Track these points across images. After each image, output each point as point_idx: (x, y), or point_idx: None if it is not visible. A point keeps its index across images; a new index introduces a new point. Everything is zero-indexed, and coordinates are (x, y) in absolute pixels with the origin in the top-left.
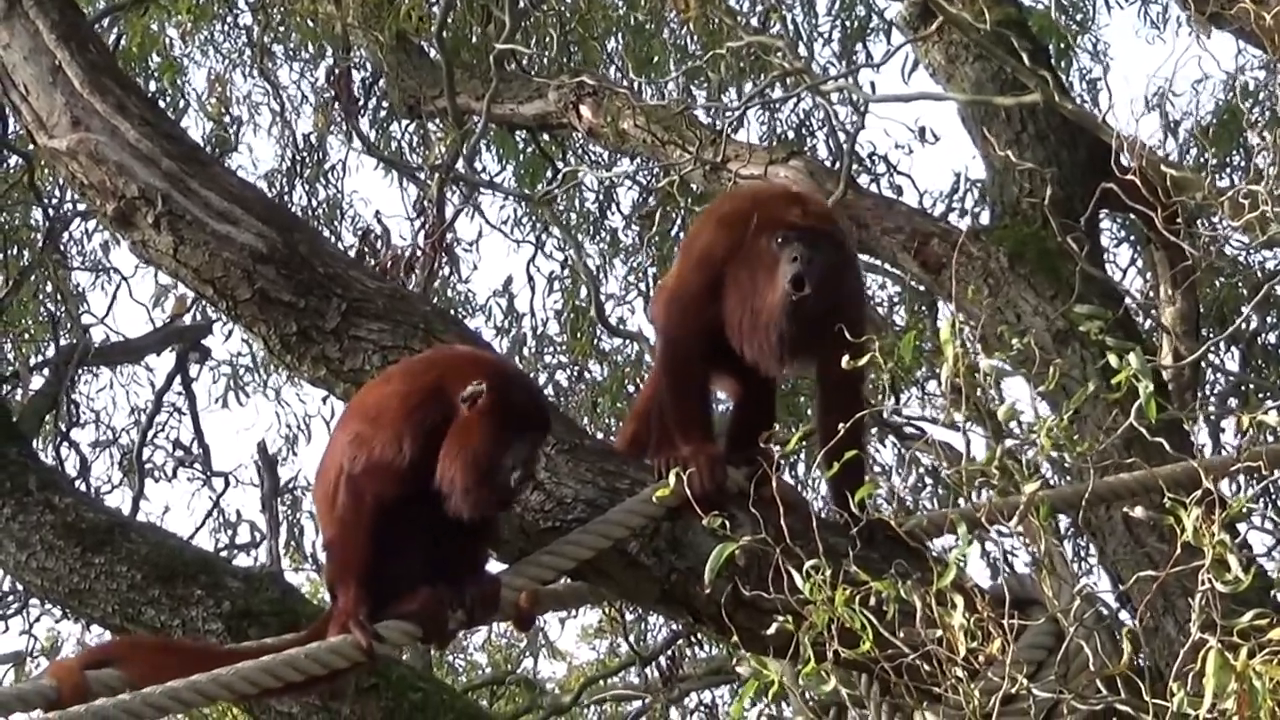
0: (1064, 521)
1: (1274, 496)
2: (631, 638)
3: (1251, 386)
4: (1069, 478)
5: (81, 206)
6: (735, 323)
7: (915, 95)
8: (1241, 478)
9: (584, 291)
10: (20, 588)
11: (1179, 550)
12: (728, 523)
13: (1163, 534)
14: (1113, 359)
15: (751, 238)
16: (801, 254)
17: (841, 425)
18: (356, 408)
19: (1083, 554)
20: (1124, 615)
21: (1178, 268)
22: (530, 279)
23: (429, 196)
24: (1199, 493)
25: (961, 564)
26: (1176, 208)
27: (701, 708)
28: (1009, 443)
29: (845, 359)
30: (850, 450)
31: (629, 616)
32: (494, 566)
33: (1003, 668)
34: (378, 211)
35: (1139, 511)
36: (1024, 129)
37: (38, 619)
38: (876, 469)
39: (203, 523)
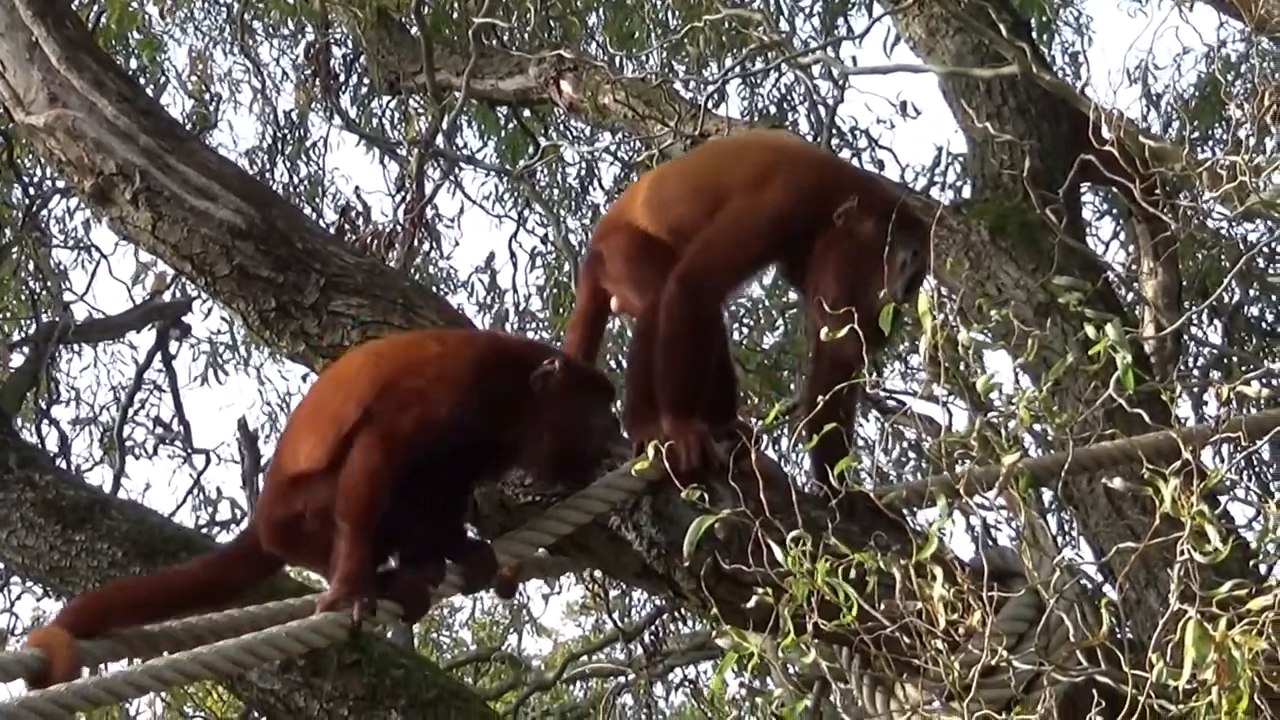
0: (1047, 496)
1: (1256, 468)
2: (616, 614)
3: (1234, 359)
4: (1051, 450)
5: (61, 184)
6: (831, 302)
7: (893, 68)
8: (1225, 449)
9: (566, 267)
10: (1, 565)
11: (1158, 521)
12: (707, 496)
13: (1144, 506)
14: (1090, 330)
15: (855, 217)
16: (920, 250)
17: (821, 398)
18: (406, 365)
19: (1066, 527)
20: (1107, 589)
21: (1158, 239)
22: (512, 255)
23: (409, 173)
24: (1178, 464)
25: (942, 536)
26: (1155, 179)
27: (685, 683)
28: (989, 415)
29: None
30: (834, 424)
31: (613, 593)
32: None
33: (983, 640)
34: (357, 188)
35: (1118, 482)
36: (1005, 102)
37: (19, 597)
38: (860, 443)
39: (184, 500)
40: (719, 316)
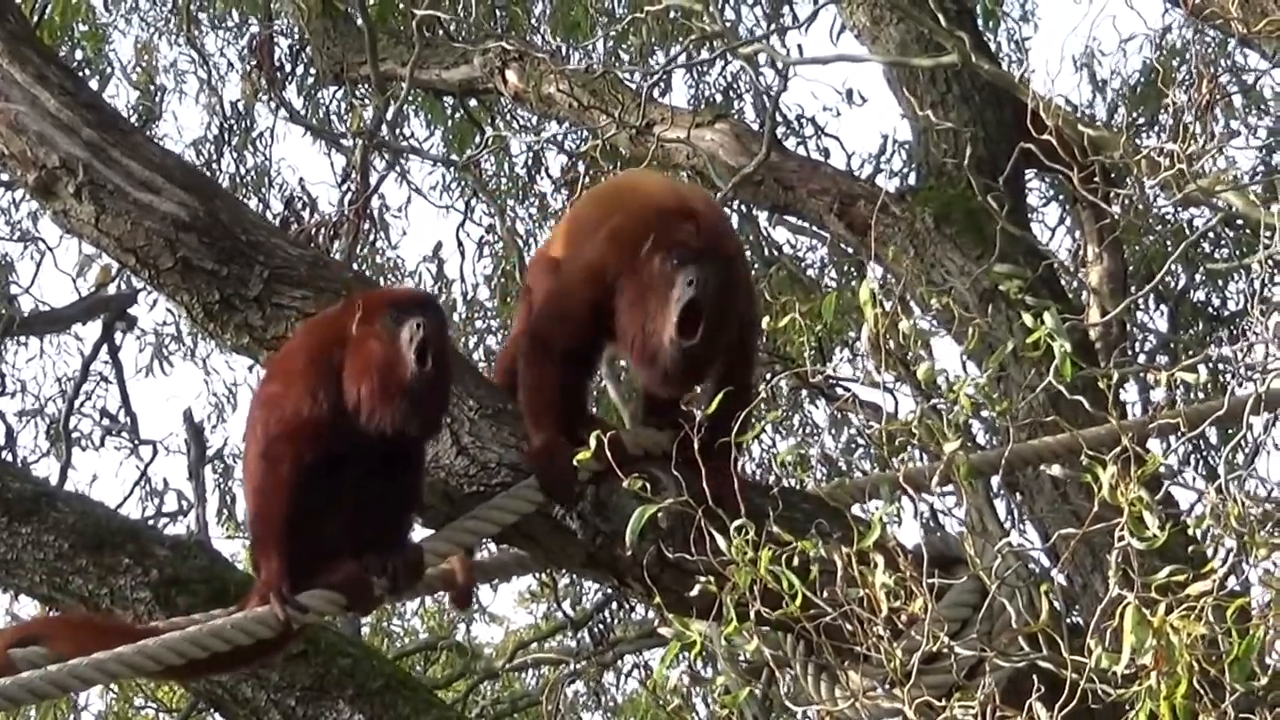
0: (995, 482)
1: (1204, 454)
2: (566, 603)
3: (1181, 345)
4: (997, 439)
5: (4, 176)
6: (627, 342)
7: (835, 57)
8: (1172, 439)
9: (509, 261)
10: None
11: (1097, 507)
12: (649, 485)
13: (1089, 492)
14: (1029, 319)
15: (645, 258)
16: (696, 277)
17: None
18: (266, 375)
19: (1015, 514)
20: (1056, 575)
21: (1102, 223)
22: (460, 244)
23: (354, 163)
24: (1117, 450)
25: (885, 524)
26: (1095, 167)
27: (636, 670)
28: (932, 401)
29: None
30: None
31: (563, 581)
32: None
33: (927, 629)
34: (301, 179)
35: (1056, 469)
36: (948, 90)
37: None
38: (808, 431)
39: (130, 491)
40: (565, 361)
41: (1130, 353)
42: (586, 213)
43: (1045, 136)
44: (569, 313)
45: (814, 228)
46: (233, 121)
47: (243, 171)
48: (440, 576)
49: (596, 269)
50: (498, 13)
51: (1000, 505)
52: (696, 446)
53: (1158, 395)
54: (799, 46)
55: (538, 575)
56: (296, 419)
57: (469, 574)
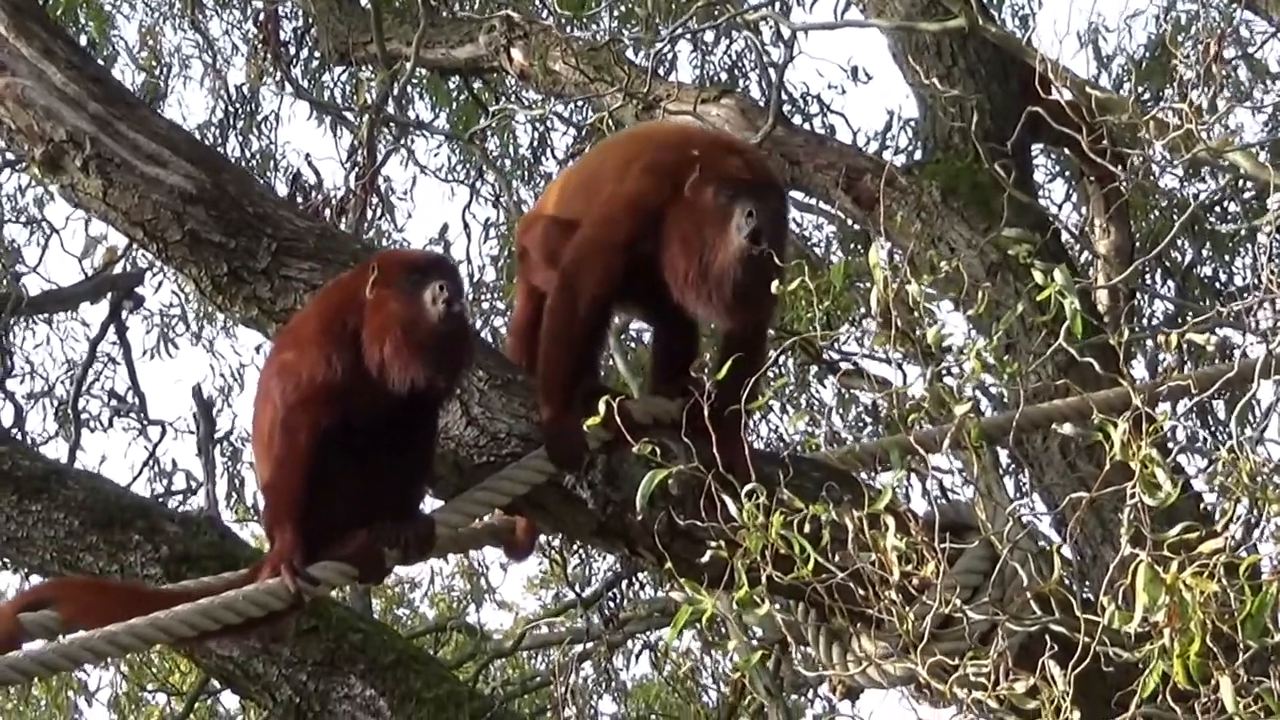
0: (1004, 458)
1: (1212, 429)
2: (575, 585)
3: (1189, 316)
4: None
5: (10, 156)
6: (680, 276)
7: (840, 23)
8: (1183, 404)
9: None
10: None
11: (1109, 466)
12: (659, 451)
13: (1098, 462)
14: (1038, 276)
15: (694, 189)
16: (756, 209)
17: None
18: (279, 344)
19: (1025, 490)
20: (1066, 551)
21: (1108, 192)
22: (466, 226)
23: (360, 139)
24: (1128, 412)
25: (895, 489)
26: (1102, 131)
27: (646, 650)
28: (941, 365)
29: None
30: (740, 374)
31: (572, 566)
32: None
33: (939, 593)
34: (308, 155)
35: (1067, 428)
36: (954, 64)
37: None
38: (816, 410)
39: (139, 472)
40: (600, 305)
41: (1139, 327)
42: (603, 160)
43: (1052, 97)
44: (605, 248)
45: (820, 203)
46: (238, 105)
47: (248, 155)
48: (504, 527)
49: (637, 203)
50: None
51: (1010, 483)
52: (706, 414)
53: (1169, 361)
54: (805, 26)
55: (548, 555)
56: (312, 385)
57: (529, 526)
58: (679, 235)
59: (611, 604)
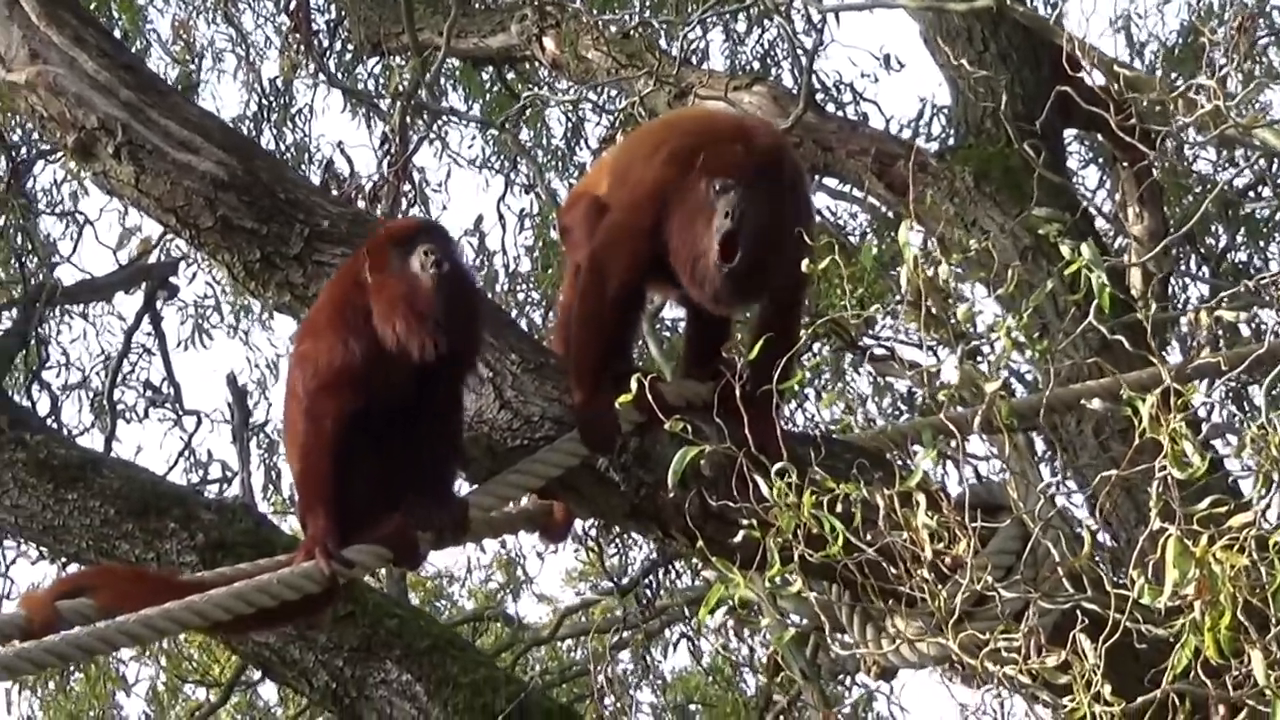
0: (1040, 446)
1: (1246, 411)
2: (612, 574)
3: (1224, 301)
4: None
5: (45, 146)
6: (679, 265)
7: (868, 4)
8: (1213, 384)
9: (553, 227)
10: None
11: (1138, 441)
12: (690, 430)
13: (1132, 444)
14: (1065, 252)
15: (694, 178)
16: (734, 208)
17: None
18: (298, 336)
19: (1061, 479)
20: (1104, 536)
21: (1139, 173)
22: (500, 217)
23: (393, 126)
24: (1159, 389)
25: (928, 470)
26: (1132, 110)
27: (685, 640)
28: (972, 344)
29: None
30: (772, 355)
31: (610, 559)
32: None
33: (971, 571)
34: (340, 143)
35: (1096, 403)
36: (986, 49)
37: (13, 561)
38: (851, 396)
39: (175, 462)
40: (629, 290)
41: (1172, 308)
42: (638, 144)
43: (1081, 76)
44: (632, 233)
45: (853, 190)
46: (272, 98)
47: (283, 147)
48: (539, 511)
49: (655, 190)
50: None
51: (1045, 470)
52: (738, 395)
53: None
54: (836, 15)
55: (584, 544)
56: (330, 369)
57: (566, 509)
58: (679, 223)
59: (648, 592)
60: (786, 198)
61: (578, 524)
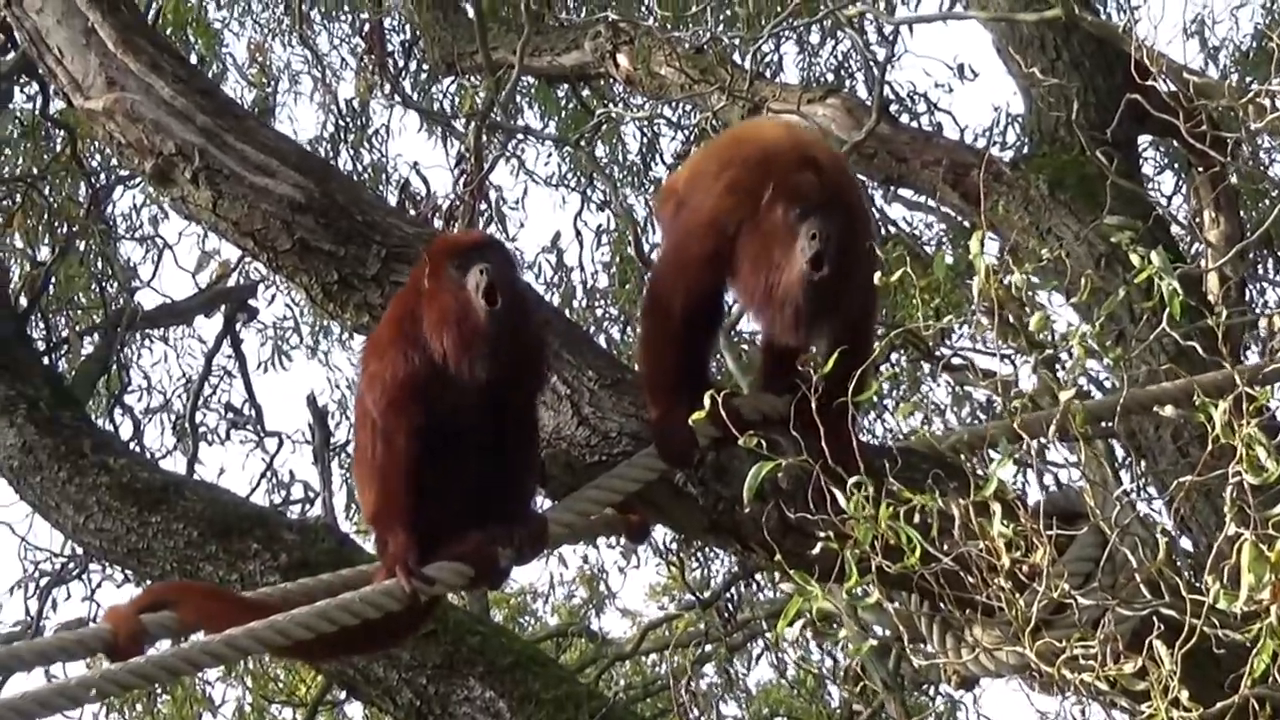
0: (1119, 452)
1: None
2: (692, 584)
3: None
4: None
5: (123, 172)
6: (751, 295)
7: (940, 16)
8: None
9: (628, 244)
10: (80, 550)
11: (1213, 446)
12: (766, 444)
13: (1211, 450)
14: (1136, 260)
15: (766, 208)
16: (820, 230)
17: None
18: (364, 359)
19: (1140, 485)
20: (1185, 543)
21: (1213, 178)
22: (578, 233)
23: (468, 146)
24: (1233, 394)
25: (1006, 480)
26: (1203, 116)
27: (768, 652)
28: (1046, 352)
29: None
30: (847, 367)
31: (692, 572)
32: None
33: (1049, 579)
34: (416, 163)
35: (1169, 410)
36: (1058, 57)
37: (99, 585)
38: (929, 406)
39: (257, 484)
40: (685, 322)
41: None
42: (709, 159)
43: (1152, 84)
44: (689, 267)
45: (927, 200)
46: (348, 119)
47: (359, 168)
48: (617, 521)
49: (716, 221)
50: None
51: (1125, 477)
52: (814, 407)
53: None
54: (909, 26)
55: (666, 558)
56: (395, 384)
57: (644, 512)
58: (750, 254)
59: (730, 605)
60: (858, 217)
61: (659, 538)
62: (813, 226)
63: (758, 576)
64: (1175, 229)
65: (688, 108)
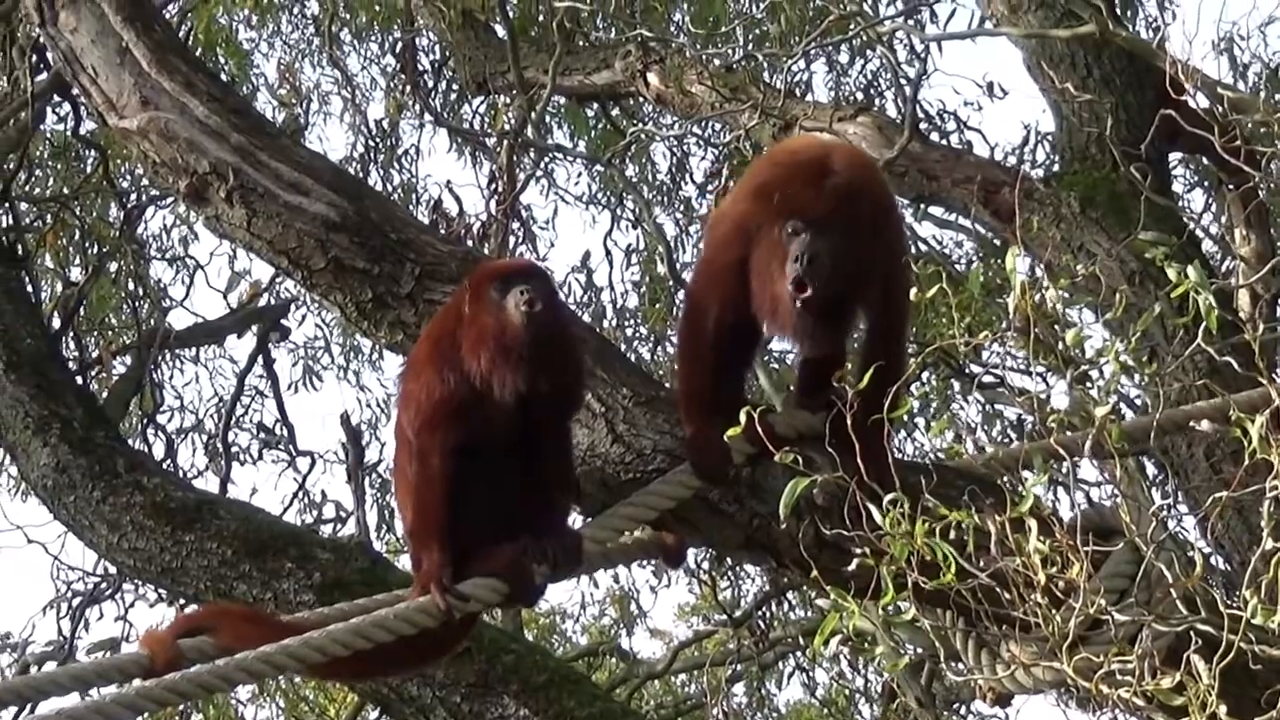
0: (1151, 470)
1: None
2: (725, 607)
3: None
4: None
5: (155, 192)
6: (759, 307)
7: (972, 33)
8: None
9: (660, 261)
10: (114, 570)
11: (1249, 462)
12: (801, 461)
13: (1243, 464)
14: (1171, 274)
15: (772, 217)
16: (804, 250)
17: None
18: (402, 378)
19: (1173, 502)
20: (1218, 559)
21: (1245, 194)
22: (608, 253)
23: (499, 165)
24: (1268, 410)
25: (1041, 497)
26: (1236, 133)
27: (799, 671)
28: (1080, 368)
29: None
30: (881, 384)
31: (723, 592)
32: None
33: (1086, 595)
34: (448, 181)
35: (1205, 425)
36: (1089, 74)
37: (132, 604)
38: (961, 424)
39: (289, 503)
40: (723, 325)
41: None
42: (745, 175)
43: (1185, 100)
44: (718, 276)
45: (959, 218)
46: (378, 139)
47: (390, 188)
48: (653, 540)
49: (739, 226)
50: (636, 16)
51: (1156, 495)
52: (849, 423)
53: None
54: (939, 44)
55: (698, 576)
56: (431, 404)
57: (679, 534)
58: (758, 264)
59: (761, 624)
60: (864, 235)
61: (690, 558)
62: (800, 246)
63: (789, 595)
64: (1207, 245)
65: (718, 126)
